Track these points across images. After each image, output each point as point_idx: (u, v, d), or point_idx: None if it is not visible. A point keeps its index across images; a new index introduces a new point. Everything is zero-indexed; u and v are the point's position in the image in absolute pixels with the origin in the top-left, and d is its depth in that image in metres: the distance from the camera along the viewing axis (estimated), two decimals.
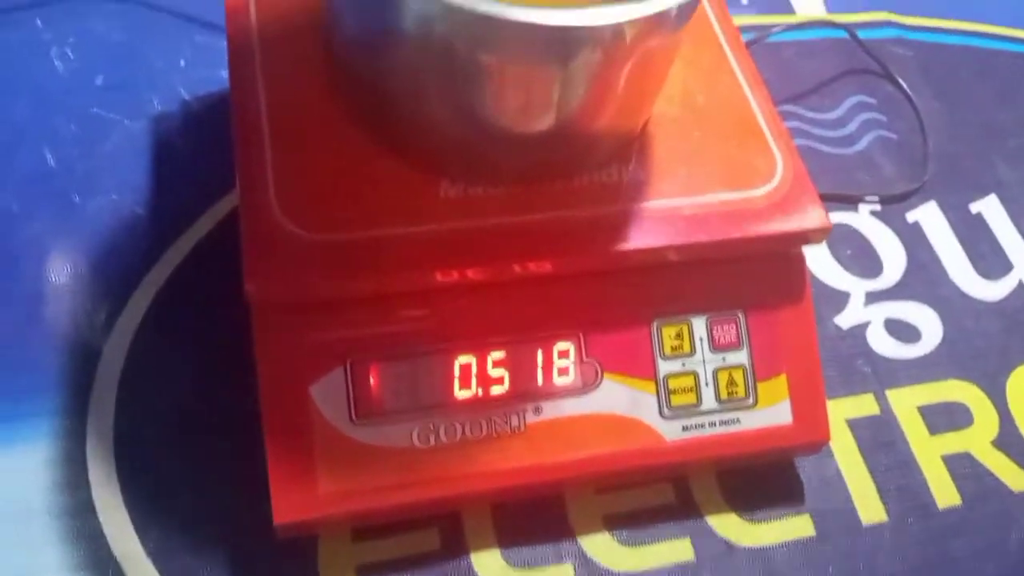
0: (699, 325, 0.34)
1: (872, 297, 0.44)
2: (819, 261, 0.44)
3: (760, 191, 0.34)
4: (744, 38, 0.52)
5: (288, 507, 0.31)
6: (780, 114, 0.49)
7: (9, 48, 0.44)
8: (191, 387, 0.36)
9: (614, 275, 0.33)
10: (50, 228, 0.39)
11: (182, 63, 0.45)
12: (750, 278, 0.35)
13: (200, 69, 0.45)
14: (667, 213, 0.33)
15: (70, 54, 0.45)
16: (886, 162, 0.49)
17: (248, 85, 0.33)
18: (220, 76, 0.45)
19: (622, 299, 0.34)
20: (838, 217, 0.46)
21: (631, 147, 0.34)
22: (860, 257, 0.45)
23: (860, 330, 0.42)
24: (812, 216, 0.34)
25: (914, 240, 0.46)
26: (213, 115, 0.43)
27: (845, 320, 0.43)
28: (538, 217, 0.32)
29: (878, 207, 0.47)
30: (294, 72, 0.34)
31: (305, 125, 0.33)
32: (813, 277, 0.44)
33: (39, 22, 0.45)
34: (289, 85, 0.33)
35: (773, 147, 0.36)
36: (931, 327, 0.43)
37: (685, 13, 0.29)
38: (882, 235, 0.46)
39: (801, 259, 0.35)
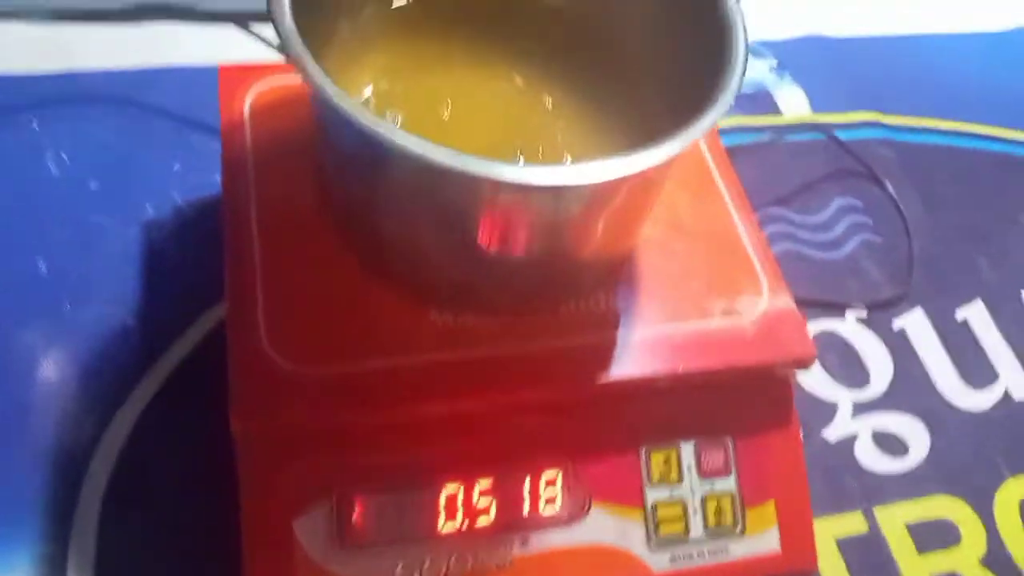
0: (687, 451, 0.34)
1: (859, 408, 0.44)
2: (807, 371, 0.44)
3: (745, 318, 0.35)
4: (729, 141, 0.54)
5: None
6: (766, 217, 0.51)
7: (5, 151, 0.45)
8: (176, 507, 0.36)
9: (601, 402, 0.34)
10: (39, 338, 0.39)
11: (176, 167, 0.46)
12: (737, 402, 0.35)
13: (194, 173, 0.45)
14: (652, 341, 0.34)
15: (65, 158, 0.45)
16: (872, 266, 0.50)
17: (241, 207, 0.34)
18: (214, 180, 0.45)
19: (610, 426, 0.34)
20: (825, 324, 0.47)
21: (617, 274, 0.35)
22: (847, 366, 0.45)
23: (847, 444, 0.42)
24: (797, 344, 0.34)
25: (900, 348, 0.46)
26: (205, 220, 0.44)
27: (833, 433, 0.43)
28: (526, 347, 0.33)
29: (864, 314, 0.48)
30: (287, 193, 0.34)
31: (296, 250, 0.33)
32: (800, 388, 0.44)
33: (35, 125, 0.46)
34: (281, 207, 0.34)
35: (759, 272, 0.36)
36: (918, 439, 0.43)
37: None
38: (869, 343, 0.46)
39: (787, 383, 0.36)
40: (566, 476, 0.33)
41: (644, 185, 0.30)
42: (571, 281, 0.33)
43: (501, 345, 0.32)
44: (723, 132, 0.55)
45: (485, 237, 0.30)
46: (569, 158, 0.33)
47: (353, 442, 0.31)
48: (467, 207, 0.28)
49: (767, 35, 0.61)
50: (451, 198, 0.28)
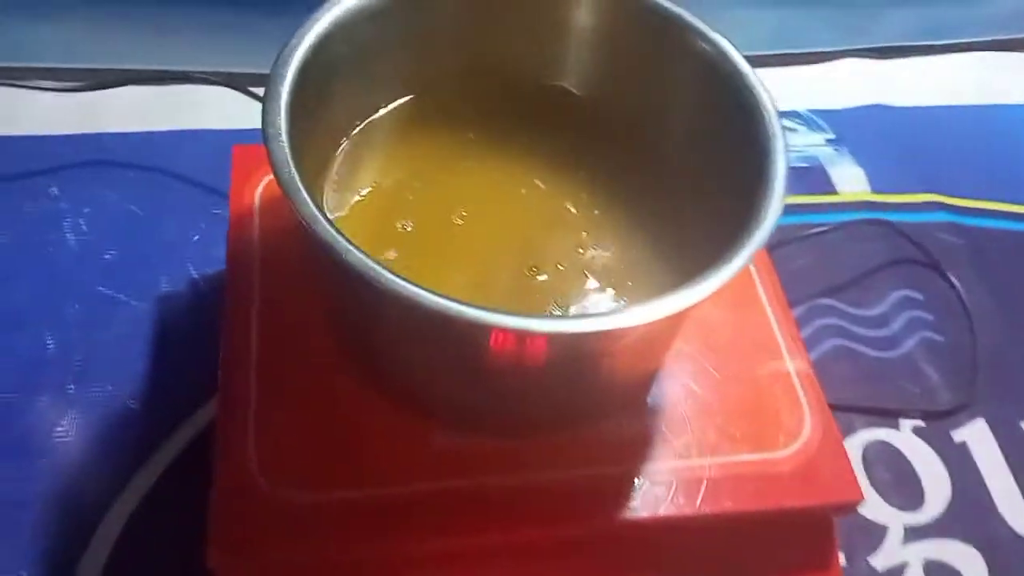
0: None
1: (912, 534, 0.40)
2: None
3: (783, 452, 0.31)
4: (780, 221, 0.50)
5: None
6: (815, 309, 0.47)
7: (23, 219, 0.44)
8: None
9: (620, 541, 0.31)
10: (39, 419, 0.38)
11: (196, 237, 0.44)
12: (773, 542, 0.32)
13: (213, 245, 0.44)
14: (676, 476, 0.30)
15: (83, 226, 0.44)
16: (932, 369, 0.46)
17: (242, 309, 0.32)
18: None
19: (627, 564, 0.31)
20: (877, 434, 0.43)
21: (642, 395, 0.32)
22: (900, 484, 0.41)
23: (896, 574, 0.39)
24: (842, 487, 0.31)
25: (960, 465, 0.42)
26: (218, 297, 0.42)
27: (881, 561, 0.39)
28: (538, 477, 0.30)
29: (922, 424, 0.44)
30: (291, 298, 0.32)
31: (295, 361, 0.31)
32: None
33: (56, 190, 0.45)
34: (284, 313, 0.32)
35: (801, 399, 0.33)
36: (975, 573, 0.39)
37: None
38: (925, 458, 0.42)
39: (829, 525, 0.32)
40: None
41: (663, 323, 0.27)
42: (588, 406, 0.31)
43: (511, 474, 0.30)
44: None
45: (491, 370, 0.27)
46: (589, 277, 0.30)
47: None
48: (468, 347, 0.26)
49: (824, 103, 0.58)
50: (450, 339, 0.25)
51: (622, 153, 0.33)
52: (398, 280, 0.23)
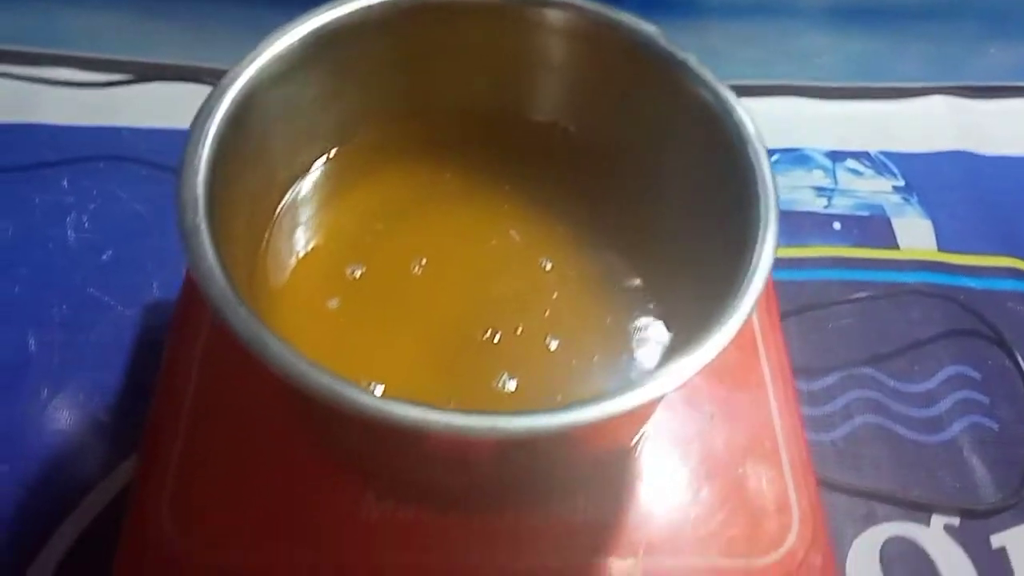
0: None
1: None
2: None
3: (763, 560, 0.28)
4: (825, 275, 0.46)
5: None
6: (852, 378, 0.42)
7: (29, 210, 0.43)
8: None
9: None
10: (7, 426, 0.37)
11: None
12: None
13: None
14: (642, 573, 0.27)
15: (86, 223, 0.43)
16: (978, 461, 0.40)
17: (186, 344, 0.30)
18: None
19: None
20: (901, 529, 0.38)
21: (609, 472, 0.29)
22: None
23: None
24: None
25: (996, 574, 0.37)
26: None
27: None
28: (478, 561, 0.27)
29: (956, 522, 0.39)
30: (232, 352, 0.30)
31: (231, 404, 0.29)
32: None
33: (65, 182, 0.44)
34: (229, 356, 0.30)
35: (791, 496, 0.29)
36: None
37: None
38: (955, 562, 0.37)
39: None
40: None
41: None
42: (545, 484, 0.28)
43: (444, 551, 0.27)
44: (819, 264, 0.47)
45: (426, 459, 0.25)
46: (551, 340, 0.27)
47: None
48: (395, 442, 0.23)
49: (899, 145, 0.52)
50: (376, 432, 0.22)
51: (609, 203, 0.29)
52: (313, 375, 0.20)
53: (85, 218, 0.43)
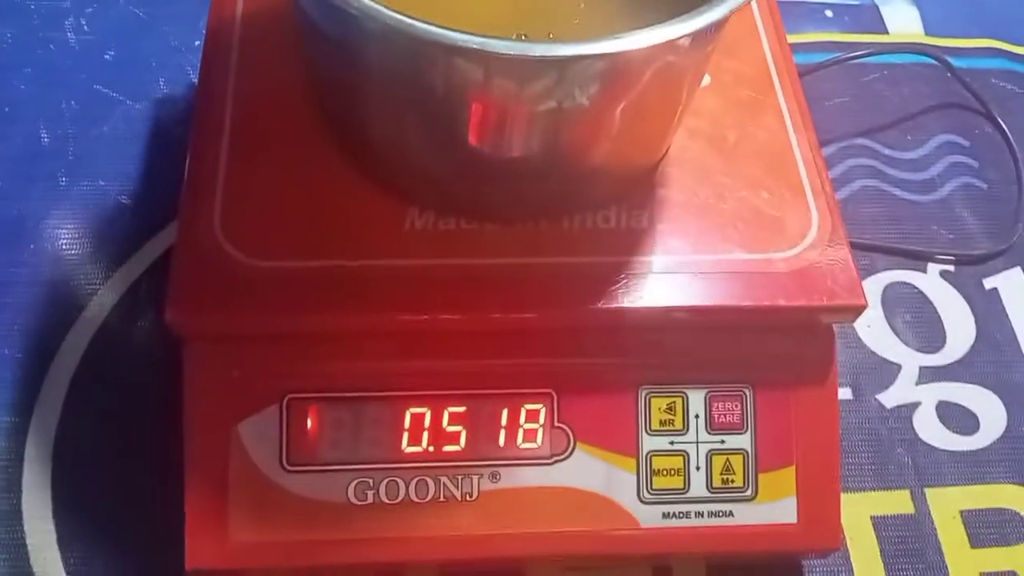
0: (696, 399, 0.30)
1: (928, 374, 0.38)
2: (871, 325, 0.38)
3: (785, 254, 0.29)
4: (819, 58, 0.47)
5: (201, 553, 0.28)
6: (851, 148, 0.44)
7: (27, 14, 0.43)
8: (138, 401, 0.33)
9: (598, 331, 0.29)
10: (31, 210, 0.37)
11: (197, 43, 0.43)
12: (764, 349, 0.30)
13: None
14: (669, 270, 0.29)
15: (85, 25, 0.43)
16: (969, 215, 0.42)
17: (216, 85, 0.30)
18: None
19: (606, 360, 0.29)
20: (901, 275, 0.40)
21: (636, 188, 0.30)
22: (920, 325, 0.39)
23: (906, 411, 0.36)
24: (844, 291, 0.29)
25: (989, 310, 0.40)
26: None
27: (890, 398, 0.37)
28: (516, 261, 0.28)
29: (951, 268, 0.41)
30: (269, 76, 0.31)
31: (268, 135, 0.29)
32: (859, 342, 0.38)
33: None
34: (261, 90, 0.30)
35: (810, 202, 0.30)
36: (993, 416, 0.37)
37: (702, 38, 0.24)
38: (951, 302, 0.40)
39: (829, 334, 0.30)
40: (549, 410, 0.29)
41: (668, 72, 0.25)
42: (575, 188, 0.29)
43: (488, 255, 0.28)
44: (814, 48, 0.48)
45: (474, 123, 0.25)
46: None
47: (308, 346, 0.28)
48: (450, 87, 0.24)
49: None
50: (431, 76, 0.23)
51: None
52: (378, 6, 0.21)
53: (84, 21, 0.43)
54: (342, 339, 0.28)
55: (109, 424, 0.33)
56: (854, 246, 0.30)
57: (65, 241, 0.37)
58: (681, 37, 0.22)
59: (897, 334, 0.38)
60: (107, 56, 0.42)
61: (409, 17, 0.21)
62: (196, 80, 0.41)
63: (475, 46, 0.21)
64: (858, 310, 0.29)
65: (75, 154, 0.39)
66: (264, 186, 0.28)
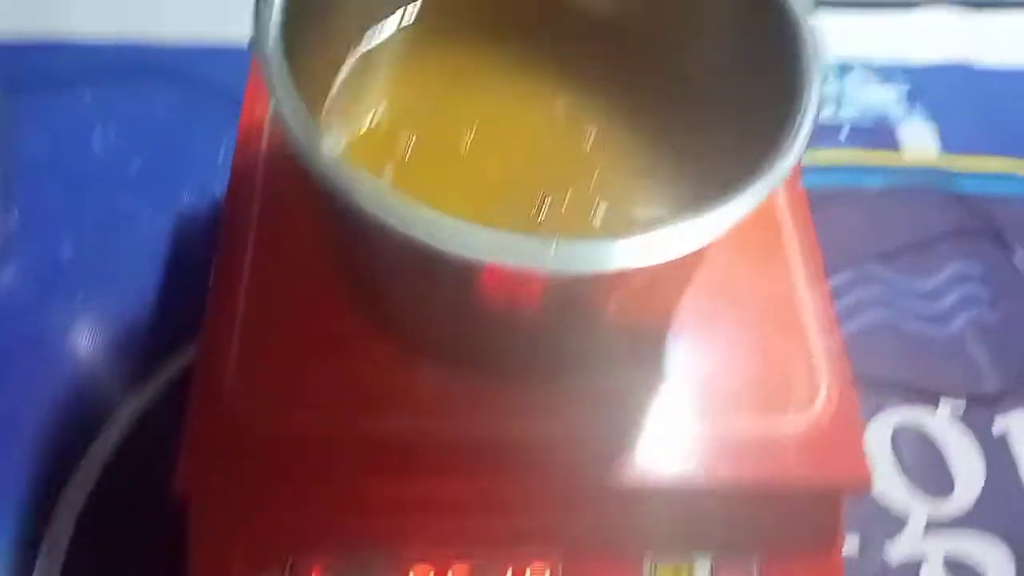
0: (702, 568, 0.30)
1: (935, 526, 0.37)
2: (880, 471, 0.38)
3: (791, 420, 0.29)
4: (833, 180, 0.47)
5: None
6: (861, 276, 0.44)
7: (55, 122, 0.44)
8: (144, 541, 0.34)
9: (604, 498, 0.29)
10: (51, 324, 0.38)
11: (221, 155, 0.43)
12: (771, 517, 0.30)
13: None
14: (673, 438, 0.29)
15: (111, 134, 0.43)
16: (981, 351, 0.42)
17: (239, 228, 0.31)
18: None
19: (611, 527, 0.29)
20: (910, 415, 0.40)
21: (644, 350, 0.30)
22: (929, 469, 0.39)
23: (912, 569, 0.36)
24: (849, 466, 0.29)
25: (998, 456, 0.39)
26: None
27: (897, 551, 0.37)
28: (527, 423, 0.29)
29: (962, 408, 0.41)
30: (291, 218, 0.31)
31: (289, 283, 0.30)
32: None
33: (88, 97, 0.45)
34: (283, 234, 0.31)
35: (820, 365, 0.30)
36: (1000, 571, 0.36)
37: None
38: (960, 445, 0.40)
39: (835, 503, 0.30)
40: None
41: (673, 266, 0.25)
42: (585, 356, 0.29)
43: (498, 419, 0.29)
44: (827, 170, 0.48)
45: (483, 308, 0.26)
46: (601, 206, 0.28)
47: (314, 507, 0.28)
48: (458, 282, 0.24)
49: (901, 55, 0.53)
50: (439, 271, 0.24)
51: (649, 75, 0.30)
52: (382, 197, 0.21)
53: (111, 130, 0.44)
54: (350, 500, 0.28)
55: (113, 565, 0.33)
56: (864, 382, 0.30)
57: (79, 361, 0.37)
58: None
59: (907, 480, 0.38)
60: (131, 167, 0.43)
61: (420, 217, 0.21)
62: (219, 195, 0.42)
63: (488, 259, 0.21)
64: (863, 486, 0.29)
65: (96, 268, 0.39)
66: (279, 343, 0.29)
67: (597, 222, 0.28)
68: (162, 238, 0.41)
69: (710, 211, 0.22)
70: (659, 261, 0.22)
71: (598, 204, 0.28)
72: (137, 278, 0.39)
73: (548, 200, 0.28)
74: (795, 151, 0.23)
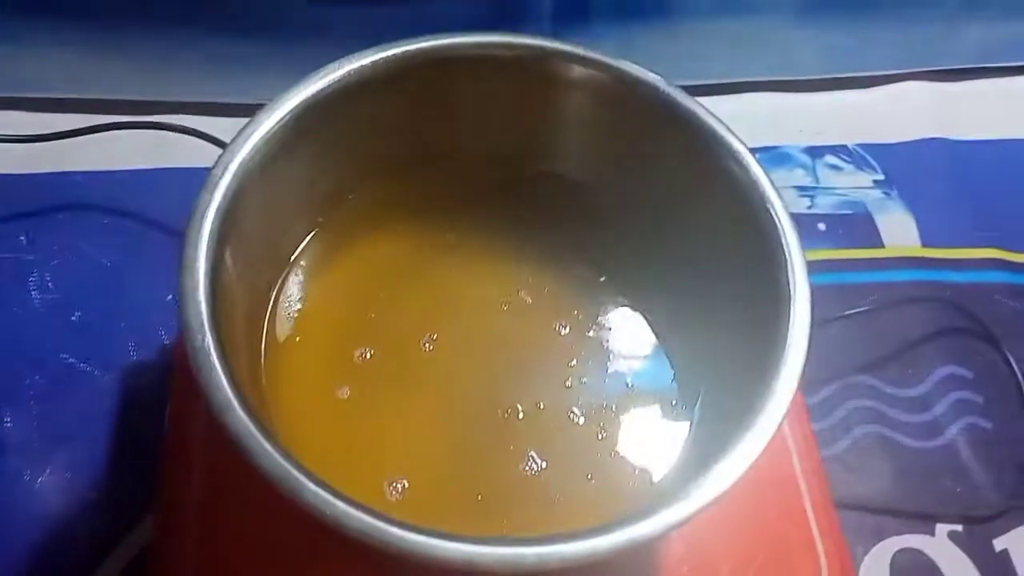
0: None
1: None
2: None
3: None
4: (817, 279, 0.45)
5: None
6: (849, 388, 0.42)
7: None
8: None
9: None
10: None
11: (169, 297, 0.41)
12: None
13: None
14: None
15: (50, 282, 0.41)
16: (975, 463, 0.41)
17: (185, 443, 0.28)
18: None
19: None
20: (908, 541, 0.39)
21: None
22: None
23: None
24: None
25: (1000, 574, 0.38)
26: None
27: None
28: None
29: (960, 528, 0.39)
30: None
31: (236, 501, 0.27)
32: None
33: (23, 238, 0.42)
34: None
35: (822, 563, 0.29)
36: None
37: None
38: (960, 568, 0.38)
39: None
40: None
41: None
42: None
43: None
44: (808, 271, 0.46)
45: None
46: (575, 412, 0.26)
47: None
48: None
49: (876, 136, 0.52)
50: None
51: (622, 257, 0.28)
52: (317, 493, 0.19)
53: (48, 277, 0.41)
54: None
55: None
56: (859, 508, 0.28)
57: (28, 546, 0.34)
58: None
59: None
60: (73, 318, 0.40)
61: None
62: (167, 342, 0.40)
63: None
64: None
65: (39, 441, 0.37)
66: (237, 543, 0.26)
67: (575, 421, 0.26)
68: (109, 398, 0.38)
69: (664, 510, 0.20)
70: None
71: (571, 409, 0.26)
72: (83, 448, 0.37)
73: (521, 410, 0.26)
74: (775, 417, 0.21)
